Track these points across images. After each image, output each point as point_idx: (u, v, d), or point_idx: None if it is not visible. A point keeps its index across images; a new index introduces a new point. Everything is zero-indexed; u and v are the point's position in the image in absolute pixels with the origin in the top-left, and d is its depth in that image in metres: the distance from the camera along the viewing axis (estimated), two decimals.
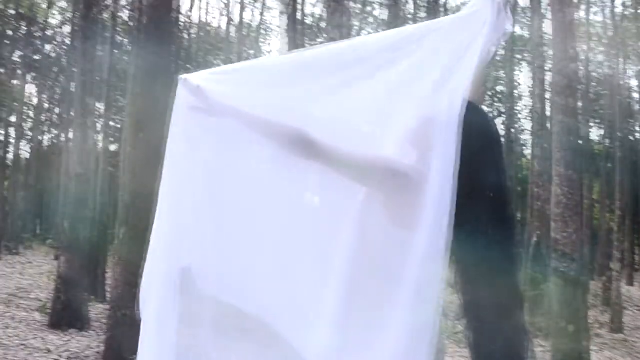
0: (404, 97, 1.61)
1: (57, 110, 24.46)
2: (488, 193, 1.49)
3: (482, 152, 1.52)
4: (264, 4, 21.05)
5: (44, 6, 19.93)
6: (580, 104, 9.97)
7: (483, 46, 1.54)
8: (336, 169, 1.59)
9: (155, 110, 4.89)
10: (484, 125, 1.59)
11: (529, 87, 20.44)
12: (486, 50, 1.59)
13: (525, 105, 23.25)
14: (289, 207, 1.77)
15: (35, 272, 13.11)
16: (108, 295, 7.96)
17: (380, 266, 1.49)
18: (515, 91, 20.34)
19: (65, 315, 7.01)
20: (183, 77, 1.70)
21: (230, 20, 20.92)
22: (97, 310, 7.62)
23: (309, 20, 19.52)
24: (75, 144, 7.66)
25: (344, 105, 1.66)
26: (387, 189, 1.51)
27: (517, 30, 17.43)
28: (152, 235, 1.73)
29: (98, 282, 9.24)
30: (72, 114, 7.36)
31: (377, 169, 1.52)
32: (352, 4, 20.98)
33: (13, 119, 21.77)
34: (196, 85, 1.66)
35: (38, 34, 20.05)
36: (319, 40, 17.38)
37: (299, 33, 15.44)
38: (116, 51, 15.51)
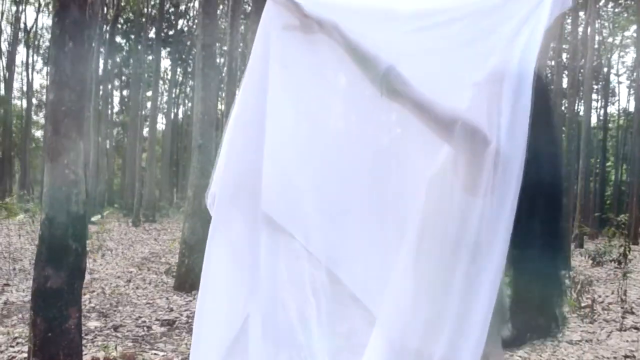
0: (476, 50, 1.53)
1: (190, 83, 25.87)
2: (543, 150, 1.41)
3: (540, 115, 1.39)
4: None
5: None
6: None
7: (551, 6, 1.45)
8: (419, 115, 1.47)
9: None
10: (544, 88, 1.51)
11: None
12: (552, 13, 1.46)
13: None
14: (368, 149, 1.73)
15: (168, 238, 14.07)
16: None
17: (444, 232, 1.42)
18: None
19: (188, 278, 7.39)
20: None
21: None
22: None
23: None
24: (197, 116, 7.96)
25: (434, 46, 1.59)
26: (463, 148, 1.41)
27: None
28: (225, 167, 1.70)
29: None
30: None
31: (459, 125, 1.40)
32: None
33: (149, 93, 23.33)
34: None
35: (171, 10, 21.16)
36: None
37: None
38: (244, 20, 15.93)
